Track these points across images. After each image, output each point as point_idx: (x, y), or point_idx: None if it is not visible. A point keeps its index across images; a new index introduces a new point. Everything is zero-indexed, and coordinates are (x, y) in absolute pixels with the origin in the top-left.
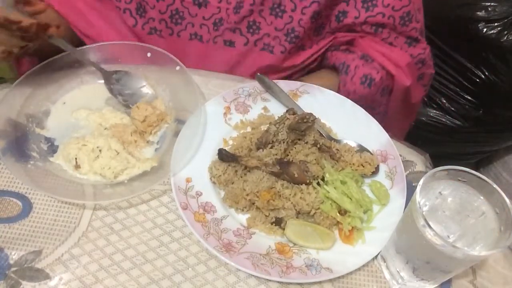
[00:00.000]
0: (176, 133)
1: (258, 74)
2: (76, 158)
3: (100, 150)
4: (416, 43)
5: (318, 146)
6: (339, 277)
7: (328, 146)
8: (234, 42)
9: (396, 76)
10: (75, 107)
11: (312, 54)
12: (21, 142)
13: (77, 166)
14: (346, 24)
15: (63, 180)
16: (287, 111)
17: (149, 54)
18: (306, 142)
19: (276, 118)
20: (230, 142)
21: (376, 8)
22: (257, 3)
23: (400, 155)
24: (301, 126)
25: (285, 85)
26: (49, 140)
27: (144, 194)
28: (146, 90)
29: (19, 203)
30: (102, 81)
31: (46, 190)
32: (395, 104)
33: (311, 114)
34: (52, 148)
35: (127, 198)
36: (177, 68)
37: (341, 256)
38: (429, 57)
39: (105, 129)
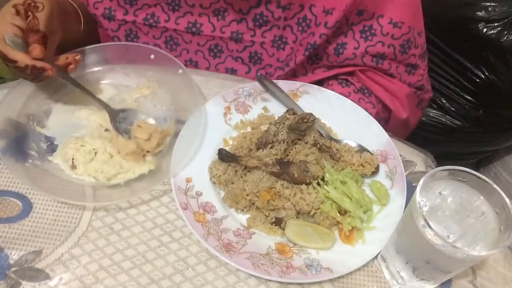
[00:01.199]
0: (176, 133)
1: (258, 74)
2: (72, 159)
3: (95, 153)
4: (414, 70)
5: (318, 146)
6: (339, 277)
7: (328, 146)
8: (236, 70)
9: (393, 110)
10: (76, 106)
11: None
12: (21, 141)
13: (73, 167)
14: (347, 57)
15: (62, 181)
16: (287, 111)
17: (152, 56)
18: (306, 142)
19: (276, 118)
20: (230, 142)
21: (375, 37)
22: (258, 34)
23: (400, 155)
24: (301, 126)
25: (285, 85)
26: (49, 139)
27: (144, 194)
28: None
29: (19, 203)
30: (104, 81)
31: (45, 190)
32: (392, 131)
33: (311, 114)
34: (52, 147)
35: (127, 199)
36: (180, 71)
37: (341, 256)
38: (427, 81)
39: (106, 130)
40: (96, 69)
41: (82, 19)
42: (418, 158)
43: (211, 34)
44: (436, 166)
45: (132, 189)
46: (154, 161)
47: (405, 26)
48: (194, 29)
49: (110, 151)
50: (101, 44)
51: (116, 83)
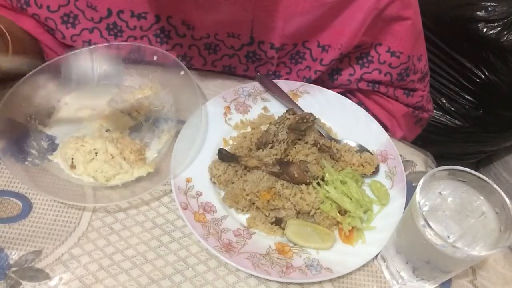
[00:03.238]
0: (176, 133)
1: (258, 74)
2: (72, 158)
3: (96, 153)
4: (413, 92)
5: (318, 146)
6: (339, 277)
7: (328, 146)
8: None
9: (390, 128)
10: (79, 106)
11: None
12: (22, 140)
13: (72, 167)
14: (342, 83)
15: (61, 180)
16: (287, 111)
17: (155, 57)
18: (306, 142)
19: (276, 118)
20: (230, 142)
21: (372, 64)
22: (251, 69)
23: (401, 155)
24: (301, 126)
25: (285, 85)
26: (50, 138)
27: (144, 194)
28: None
29: (19, 203)
30: (107, 81)
31: (45, 190)
32: None
33: (311, 114)
34: (52, 146)
35: (126, 200)
36: (182, 73)
37: (341, 256)
38: (427, 101)
39: (107, 130)
40: (98, 69)
41: (10, 41)
42: (418, 158)
43: (202, 67)
44: (436, 166)
45: (131, 191)
46: (153, 164)
47: (404, 56)
48: (184, 62)
49: (111, 151)
50: (105, 44)
51: (119, 83)
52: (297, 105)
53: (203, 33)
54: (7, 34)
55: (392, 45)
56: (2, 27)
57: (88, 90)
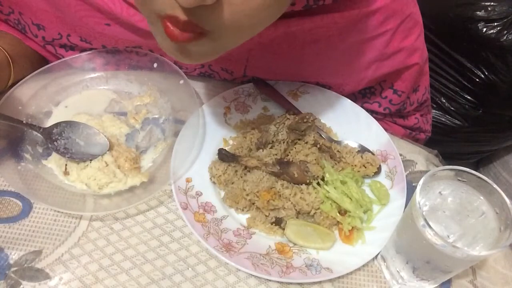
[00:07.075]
0: (176, 134)
1: (254, 77)
2: (66, 164)
3: (90, 160)
4: (410, 116)
5: (318, 146)
6: (339, 277)
7: (328, 146)
8: None
9: None
10: (76, 111)
11: None
12: (17, 142)
13: (66, 173)
14: None
15: (54, 187)
16: (287, 111)
17: (155, 65)
18: (306, 142)
19: (276, 118)
20: (230, 142)
21: (374, 97)
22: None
23: (401, 155)
24: (301, 126)
25: (285, 85)
26: (45, 143)
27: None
28: (101, 137)
29: (19, 203)
30: (106, 87)
31: (39, 197)
32: None
33: (311, 114)
34: (48, 151)
35: (120, 209)
36: (181, 82)
37: (341, 256)
38: (424, 122)
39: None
40: (98, 74)
41: (11, 64)
42: (420, 157)
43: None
44: (440, 162)
45: (125, 199)
46: (147, 174)
47: (404, 95)
48: None
49: (105, 158)
50: (105, 49)
51: (118, 89)
52: (294, 107)
53: (198, 65)
54: (11, 61)
55: (396, 83)
56: (6, 53)
57: (87, 95)
